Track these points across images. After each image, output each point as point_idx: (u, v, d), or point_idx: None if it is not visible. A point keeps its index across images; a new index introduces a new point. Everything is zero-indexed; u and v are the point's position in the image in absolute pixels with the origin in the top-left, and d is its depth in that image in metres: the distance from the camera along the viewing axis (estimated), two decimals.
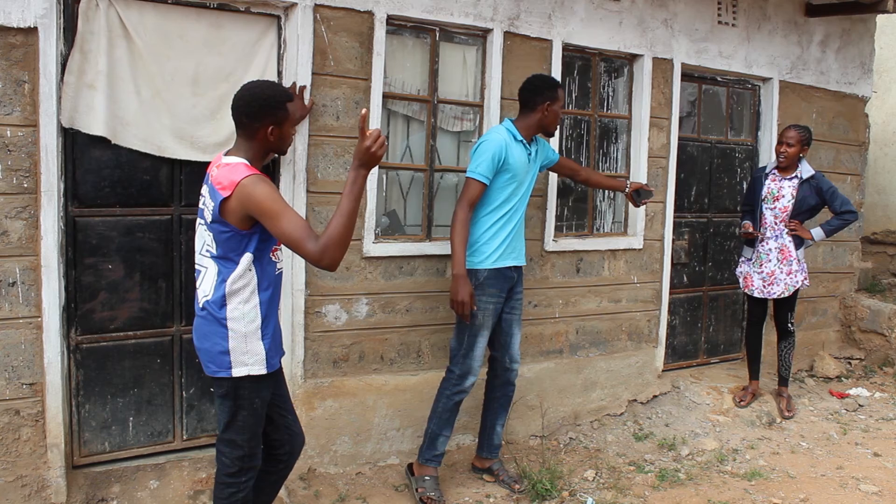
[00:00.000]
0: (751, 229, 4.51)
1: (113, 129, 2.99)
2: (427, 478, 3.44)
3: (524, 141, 3.43)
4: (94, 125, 2.94)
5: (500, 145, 3.32)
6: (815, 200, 4.48)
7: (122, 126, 3.02)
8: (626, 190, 3.98)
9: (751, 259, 4.62)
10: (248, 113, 2.37)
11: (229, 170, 2.33)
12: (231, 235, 2.34)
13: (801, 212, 4.49)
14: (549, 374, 4.27)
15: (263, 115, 2.37)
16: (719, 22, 4.71)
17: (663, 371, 4.82)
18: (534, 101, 3.42)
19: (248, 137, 2.41)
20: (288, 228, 2.22)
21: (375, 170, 3.56)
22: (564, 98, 3.52)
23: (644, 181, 4.48)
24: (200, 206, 2.46)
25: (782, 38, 5.03)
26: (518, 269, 3.55)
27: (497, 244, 3.40)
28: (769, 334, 4.99)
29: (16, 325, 2.89)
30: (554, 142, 4.09)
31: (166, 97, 3.08)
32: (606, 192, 4.50)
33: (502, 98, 3.89)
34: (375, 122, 3.53)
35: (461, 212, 3.30)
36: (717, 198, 5.10)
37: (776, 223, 4.53)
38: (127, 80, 3.01)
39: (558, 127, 3.56)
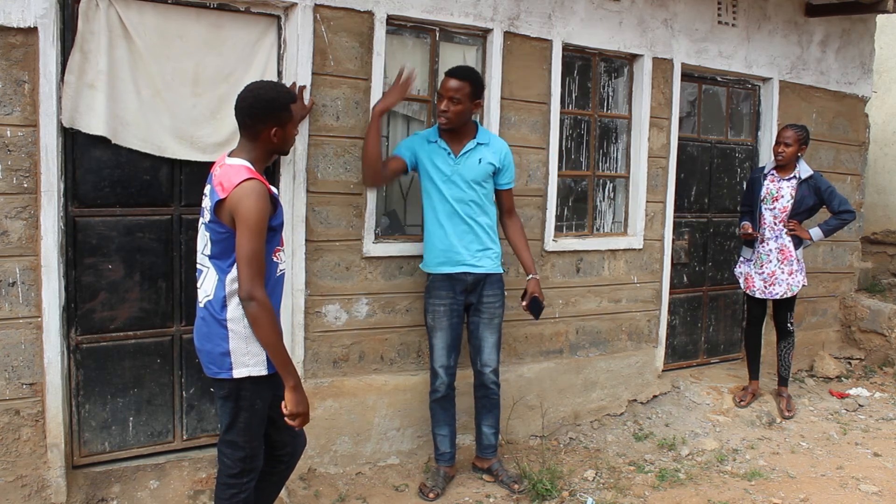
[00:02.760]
0: (750, 230, 4.51)
1: (113, 128, 2.99)
2: (434, 470, 3.60)
3: (439, 140, 3.38)
4: (95, 125, 2.94)
5: (415, 135, 3.50)
6: (813, 200, 4.48)
7: (122, 126, 3.01)
8: (529, 277, 3.54)
9: (751, 260, 4.62)
10: (251, 114, 2.38)
11: (231, 171, 2.33)
12: (227, 236, 2.34)
13: (800, 212, 4.49)
14: (549, 374, 4.27)
15: (267, 117, 2.38)
16: (719, 22, 4.71)
17: (663, 371, 4.82)
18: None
19: (251, 138, 2.41)
20: (251, 248, 2.26)
21: None
22: (443, 88, 3.31)
23: (644, 181, 4.49)
24: (203, 205, 2.46)
25: (782, 38, 5.03)
26: (480, 275, 3.44)
27: (437, 250, 3.42)
28: (769, 334, 4.99)
29: (16, 325, 2.89)
30: (554, 142, 4.09)
31: (166, 97, 3.08)
32: (606, 191, 4.51)
33: (502, 98, 3.89)
34: None
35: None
36: (717, 198, 5.10)
37: (775, 223, 4.53)
38: (127, 80, 3.00)
39: (439, 117, 3.32)
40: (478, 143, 3.40)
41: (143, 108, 3.04)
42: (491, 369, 3.54)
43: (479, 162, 3.39)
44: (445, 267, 3.41)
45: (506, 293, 3.64)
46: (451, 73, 3.29)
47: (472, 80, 3.28)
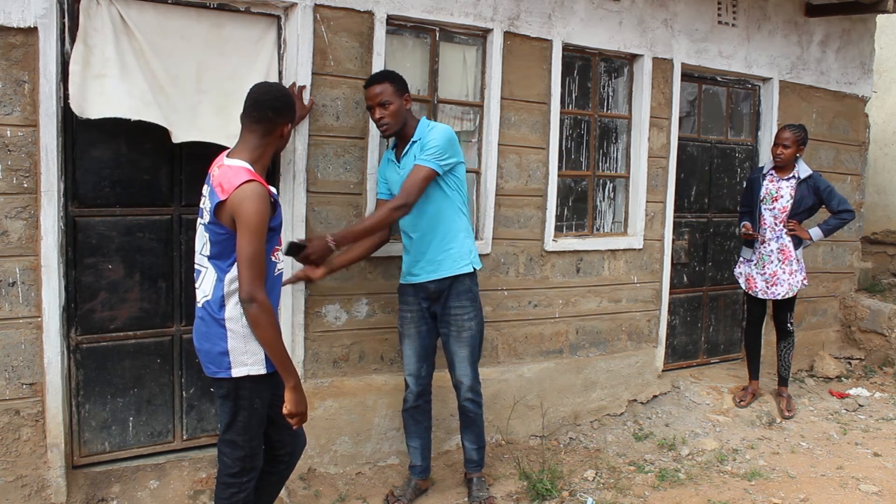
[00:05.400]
0: (750, 230, 4.51)
1: (133, 107, 2.90)
2: (407, 480, 3.51)
3: (388, 151, 3.32)
4: (109, 109, 2.85)
5: (380, 164, 3.42)
6: (812, 200, 4.48)
7: (143, 105, 2.93)
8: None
9: (751, 260, 4.63)
10: (275, 108, 2.41)
11: (231, 173, 2.33)
12: (227, 237, 2.34)
13: (800, 212, 4.50)
14: (549, 374, 4.27)
15: (287, 112, 2.45)
16: (719, 22, 4.71)
17: (663, 371, 4.82)
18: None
19: (263, 134, 2.42)
20: (252, 250, 2.27)
21: (375, 170, 3.56)
22: (367, 98, 3.17)
23: (644, 182, 4.49)
24: (201, 205, 2.46)
25: (782, 38, 5.03)
26: (441, 282, 3.25)
27: (405, 259, 3.36)
28: (769, 334, 4.99)
29: (16, 325, 2.89)
30: (554, 142, 4.09)
31: (170, 92, 3.05)
32: (606, 191, 4.51)
33: (502, 98, 3.89)
34: None
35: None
36: (717, 198, 5.10)
37: (775, 224, 4.53)
38: (135, 69, 2.96)
39: (378, 128, 3.20)
40: (413, 142, 3.19)
41: (156, 96, 2.99)
42: (466, 386, 3.35)
43: (415, 159, 3.15)
44: (408, 277, 3.33)
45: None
46: (368, 82, 3.17)
47: (390, 78, 3.14)
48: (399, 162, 3.24)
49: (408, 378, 3.39)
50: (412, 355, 3.36)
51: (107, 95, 2.88)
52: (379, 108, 3.13)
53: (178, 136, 3.03)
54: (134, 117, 2.91)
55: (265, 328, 2.32)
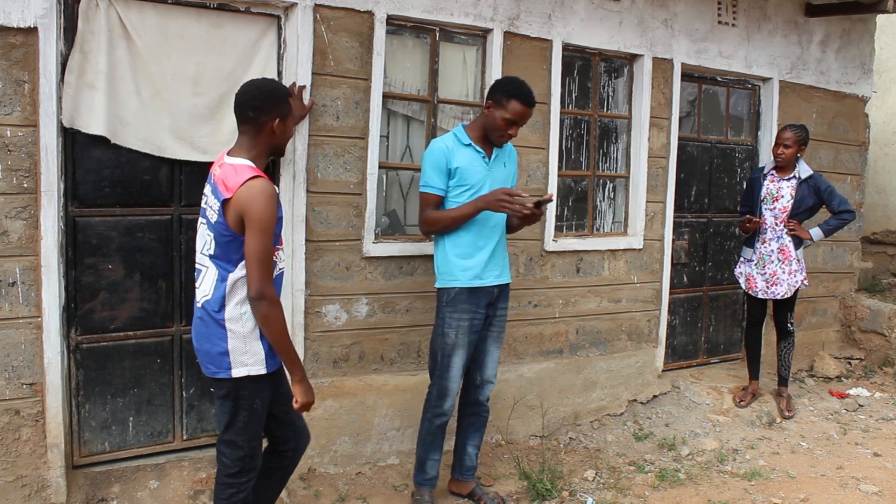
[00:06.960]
0: (750, 221, 4.48)
1: (113, 128, 2.99)
2: (419, 498, 3.34)
3: (474, 144, 3.14)
4: (94, 125, 2.94)
5: (440, 151, 3.11)
6: (813, 200, 4.48)
7: (122, 126, 3.01)
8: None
9: (752, 260, 4.63)
10: (254, 106, 2.38)
11: (233, 170, 2.33)
12: (231, 239, 2.34)
13: (800, 212, 4.50)
14: (549, 374, 4.27)
15: (270, 108, 2.39)
16: (719, 22, 4.71)
17: (663, 371, 4.82)
18: (488, 99, 3.15)
19: (253, 133, 2.40)
20: (261, 248, 2.29)
21: (376, 170, 3.57)
22: (519, 116, 3.07)
23: (644, 182, 4.49)
24: (203, 205, 2.45)
25: (782, 38, 5.03)
26: (500, 285, 3.29)
27: (470, 263, 3.15)
28: (769, 334, 4.99)
29: (16, 325, 2.89)
30: (554, 142, 4.10)
31: (166, 97, 3.08)
32: (606, 191, 4.51)
33: None
34: (375, 122, 3.53)
35: (422, 221, 3.19)
36: (717, 198, 5.10)
37: (776, 224, 4.53)
38: (127, 80, 3.00)
39: (501, 138, 3.14)
40: (500, 148, 3.27)
41: (144, 108, 3.05)
42: (492, 386, 3.40)
43: (504, 166, 3.27)
44: (477, 281, 3.16)
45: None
46: (532, 102, 3.09)
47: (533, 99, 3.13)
48: (490, 161, 3.20)
49: (455, 389, 3.24)
50: (461, 366, 3.22)
51: (94, 111, 2.93)
52: (518, 127, 3.14)
53: (170, 151, 3.07)
54: (112, 139, 2.99)
55: (275, 324, 2.35)
